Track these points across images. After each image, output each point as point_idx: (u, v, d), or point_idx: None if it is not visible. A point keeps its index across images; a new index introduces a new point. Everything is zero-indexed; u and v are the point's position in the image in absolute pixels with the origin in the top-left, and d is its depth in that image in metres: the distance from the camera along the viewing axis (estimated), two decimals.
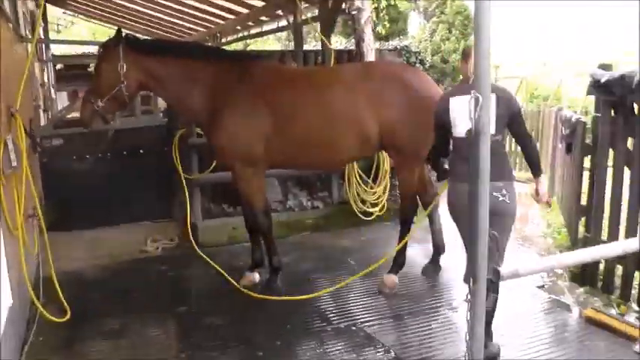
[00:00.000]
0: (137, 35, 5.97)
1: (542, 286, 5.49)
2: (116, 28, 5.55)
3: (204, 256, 6.34)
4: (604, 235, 5.45)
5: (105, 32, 26.99)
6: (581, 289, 5.40)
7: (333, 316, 4.98)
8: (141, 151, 7.75)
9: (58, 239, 6.13)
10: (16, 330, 4.39)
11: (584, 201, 5.95)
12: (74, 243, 6.98)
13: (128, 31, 18.66)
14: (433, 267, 5.88)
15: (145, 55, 5.22)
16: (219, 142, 5.36)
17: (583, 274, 5.51)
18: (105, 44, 5.34)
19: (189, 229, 6.59)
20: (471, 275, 2.51)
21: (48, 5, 12.73)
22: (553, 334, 4.55)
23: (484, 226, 2.49)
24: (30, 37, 7.79)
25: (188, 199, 6.73)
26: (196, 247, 6.54)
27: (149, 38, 5.35)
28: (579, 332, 4.58)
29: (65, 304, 5.07)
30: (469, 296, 2.55)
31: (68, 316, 4.95)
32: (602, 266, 5.41)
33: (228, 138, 5.28)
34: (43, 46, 11.96)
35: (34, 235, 5.40)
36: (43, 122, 9.14)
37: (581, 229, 5.89)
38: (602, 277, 5.39)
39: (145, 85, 5.38)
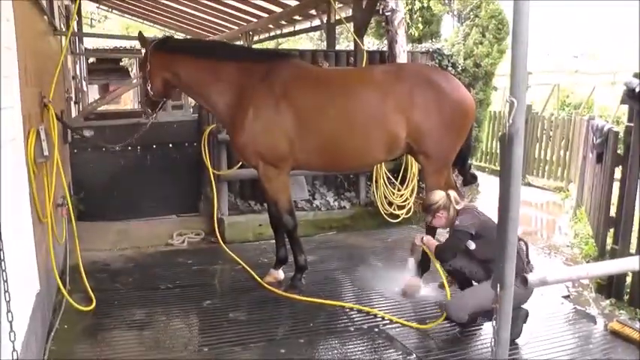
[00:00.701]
0: (168, 34, 6.11)
1: (568, 296, 5.43)
2: (148, 23, 5.74)
3: (229, 252, 6.39)
4: (632, 248, 5.36)
5: (138, 27, 27.37)
6: (607, 302, 5.33)
7: (357, 317, 4.98)
8: (170, 145, 7.82)
9: (85, 229, 6.23)
10: (43, 316, 4.47)
11: (613, 212, 5.86)
12: (101, 233, 7.08)
13: (161, 28, 18.93)
14: None
15: (170, 55, 5.35)
16: (242, 141, 5.39)
17: (609, 286, 5.44)
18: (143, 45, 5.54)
19: (217, 225, 6.66)
20: (498, 281, 2.49)
21: (82, 0, 12.91)
22: (577, 345, 4.48)
23: (513, 230, 2.47)
24: (64, 30, 7.91)
25: (215, 195, 6.78)
26: (222, 243, 6.61)
27: (175, 38, 5.46)
28: (604, 345, 4.51)
29: (91, 292, 5.16)
30: (495, 302, 2.53)
31: (93, 304, 5.04)
32: (629, 279, 5.33)
33: (251, 137, 5.31)
34: (77, 39, 12.14)
35: (62, 224, 5.49)
36: (74, 114, 9.27)
37: (609, 240, 5.81)
38: (628, 289, 5.31)
39: (171, 84, 5.52)
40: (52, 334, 4.56)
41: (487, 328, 4.56)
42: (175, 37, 18.91)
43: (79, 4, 10.75)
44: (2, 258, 2.90)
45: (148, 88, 5.42)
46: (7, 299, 2.94)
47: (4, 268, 2.91)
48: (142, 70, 5.57)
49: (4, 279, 2.92)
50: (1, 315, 2.88)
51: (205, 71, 5.35)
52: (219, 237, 6.69)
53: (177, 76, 5.43)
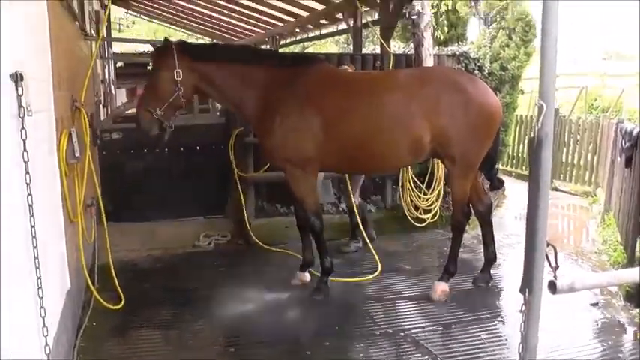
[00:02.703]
0: (190, 39, 6.13)
1: (596, 304, 5.35)
2: (176, 28, 5.75)
3: (261, 244, 6.69)
4: None
5: (165, 32, 27.64)
6: (637, 310, 5.24)
7: (382, 321, 4.98)
8: (197, 147, 7.89)
9: (113, 230, 6.32)
10: (73, 313, 4.56)
11: None
12: (129, 234, 7.16)
13: (187, 32, 19.07)
14: (484, 277, 5.80)
15: (199, 61, 5.28)
16: (270, 143, 5.42)
17: (639, 294, 5.35)
18: (157, 52, 5.35)
19: (248, 226, 6.72)
20: (526, 285, 2.48)
21: (112, 6, 13.09)
22: (605, 354, 4.42)
23: (542, 234, 2.46)
24: (94, 35, 8.04)
25: (242, 197, 6.82)
26: (253, 237, 6.82)
27: (201, 43, 5.47)
28: (633, 353, 4.45)
29: (119, 291, 5.24)
30: (524, 307, 2.52)
31: (122, 303, 5.12)
32: None
33: (278, 140, 5.32)
34: (105, 43, 12.32)
35: (91, 224, 5.59)
36: (102, 117, 9.41)
37: (639, 247, 5.73)
38: None
39: (199, 89, 5.47)
40: (82, 330, 4.65)
41: (513, 333, 4.52)
42: (201, 41, 19.13)
43: (109, 10, 10.93)
44: (36, 256, 2.97)
45: (180, 95, 5.21)
46: (41, 295, 3.01)
47: (37, 265, 2.98)
48: (168, 78, 5.18)
49: (38, 276, 2.99)
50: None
51: (235, 76, 5.35)
52: (251, 233, 6.85)
53: (208, 82, 5.37)
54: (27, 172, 2.86)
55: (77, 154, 4.53)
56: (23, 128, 2.81)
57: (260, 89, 5.35)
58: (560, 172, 11.51)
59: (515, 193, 9.79)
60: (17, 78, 2.74)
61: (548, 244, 2.51)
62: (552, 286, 2.54)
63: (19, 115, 2.79)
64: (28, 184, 2.87)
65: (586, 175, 10.98)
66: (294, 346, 4.54)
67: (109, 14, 13.35)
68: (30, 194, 2.88)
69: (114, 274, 5.29)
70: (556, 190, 10.88)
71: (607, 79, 20.80)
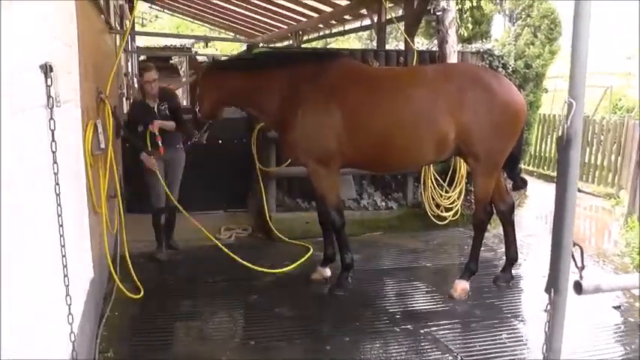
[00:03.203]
0: (213, 34, 6.36)
1: (619, 307, 5.28)
2: (199, 23, 6.09)
3: (282, 237, 6.83)
4: None
5: (187, 26, 27.77)
6: None
7: (402, 318, 4.97)
8: (220, 141, 7.91)
9: (135, 221, 6.38)
10: (96, 302, 4.62)
11: None
12: (150, 226, 7.21)
13: (210, 27, 19.09)
14: (505, 276, 5.75)
15: (223, 74, 5.66)
16: (292, 139, 5.44)
17: None
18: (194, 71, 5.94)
19: (269, 220, 6.77)
20: (551, 286, 2.46)
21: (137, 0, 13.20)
22: (627, 358, 4.36)
23: (569, 233, 2.43)
24: (119, 28, 8.10)
25: (263, 192, 6.84)
26: (275, 230, 6.89)
27: (225, 59, 5.79)
28: None
29: (138, 282, 5.31)
30: (549, 307, 2.50)
31: (142, 293, 5.18)
32: None
33: (301, 135, 5.35)
34: (129, 37, 12.42)
35: (114, 215, 5.65)
36: (125, 109, 9.48)
37: None
38: None
39: (223, 102, 5.79)
40: (104, 320, 4.70)
41: (534, 333, 4.48)
42: (224, 36, 19.20)
43: (133, 5, 11.00)
44: (63, 244, 3.00)
45: (197, 110, 5.77)
46: (67, 284, 3.04)
47: (64, 254, 3.02)
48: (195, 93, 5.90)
49: (64, 264, 3.03)
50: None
51: (259, 82, 5.49)
52: (273, 230, 6.93)
53: (232, 93, 5.61)
54: (55, 162, 2.89)
55: (102, 146, 4.58)
56: (52, 119, 2.84)
57: (284, 86, 5.39)
58: (583, 173, 11.36)
59: (537, 193, 9.69)
60: (47, 69, 2.76)
61: (574, 244, 2.49)
62: (578, 287, 2.51)
63: (48, 105, 2.82)
64: (55, 174, 2.90)
65: (609, 176, 10.83)
66: (313, 341, 4.55)
67: (135, 8, 13.47)
68: (57, 183, 2.91)
69: (130, 265, 5.35)
70: (579, 191, 10.71)
71: (632, 79, 20.49)
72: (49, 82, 2.80)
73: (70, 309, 3.03)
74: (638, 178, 8.16)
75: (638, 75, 12.16)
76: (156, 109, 6.18)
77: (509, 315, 5.06)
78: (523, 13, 10.78)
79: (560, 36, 10.24)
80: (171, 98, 6.46)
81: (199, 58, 14.65)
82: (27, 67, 2.61)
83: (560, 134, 2.41)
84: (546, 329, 2.54)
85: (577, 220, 8.66)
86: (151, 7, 18.96)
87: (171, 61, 22.82)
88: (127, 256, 5.37)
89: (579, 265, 2.48)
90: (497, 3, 11.82)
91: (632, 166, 9.07)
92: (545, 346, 2.56)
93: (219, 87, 5.59)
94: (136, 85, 14.08)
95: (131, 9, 12.58)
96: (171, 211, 6.40)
